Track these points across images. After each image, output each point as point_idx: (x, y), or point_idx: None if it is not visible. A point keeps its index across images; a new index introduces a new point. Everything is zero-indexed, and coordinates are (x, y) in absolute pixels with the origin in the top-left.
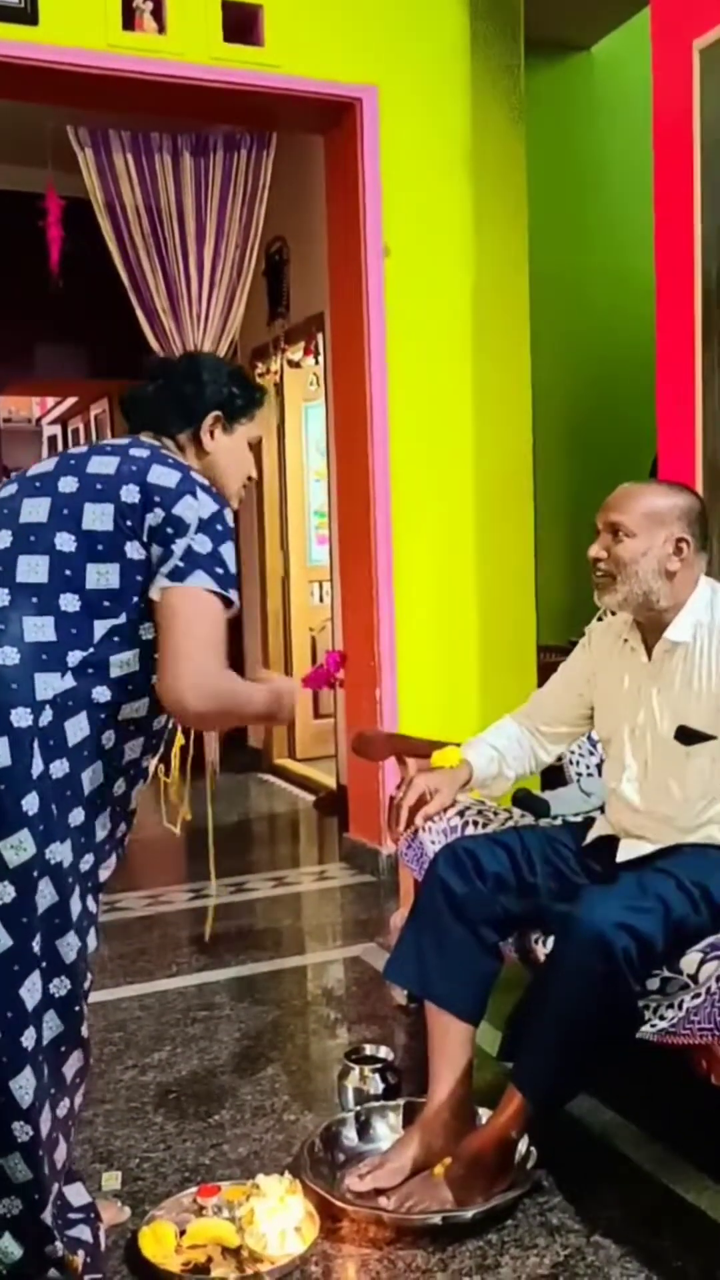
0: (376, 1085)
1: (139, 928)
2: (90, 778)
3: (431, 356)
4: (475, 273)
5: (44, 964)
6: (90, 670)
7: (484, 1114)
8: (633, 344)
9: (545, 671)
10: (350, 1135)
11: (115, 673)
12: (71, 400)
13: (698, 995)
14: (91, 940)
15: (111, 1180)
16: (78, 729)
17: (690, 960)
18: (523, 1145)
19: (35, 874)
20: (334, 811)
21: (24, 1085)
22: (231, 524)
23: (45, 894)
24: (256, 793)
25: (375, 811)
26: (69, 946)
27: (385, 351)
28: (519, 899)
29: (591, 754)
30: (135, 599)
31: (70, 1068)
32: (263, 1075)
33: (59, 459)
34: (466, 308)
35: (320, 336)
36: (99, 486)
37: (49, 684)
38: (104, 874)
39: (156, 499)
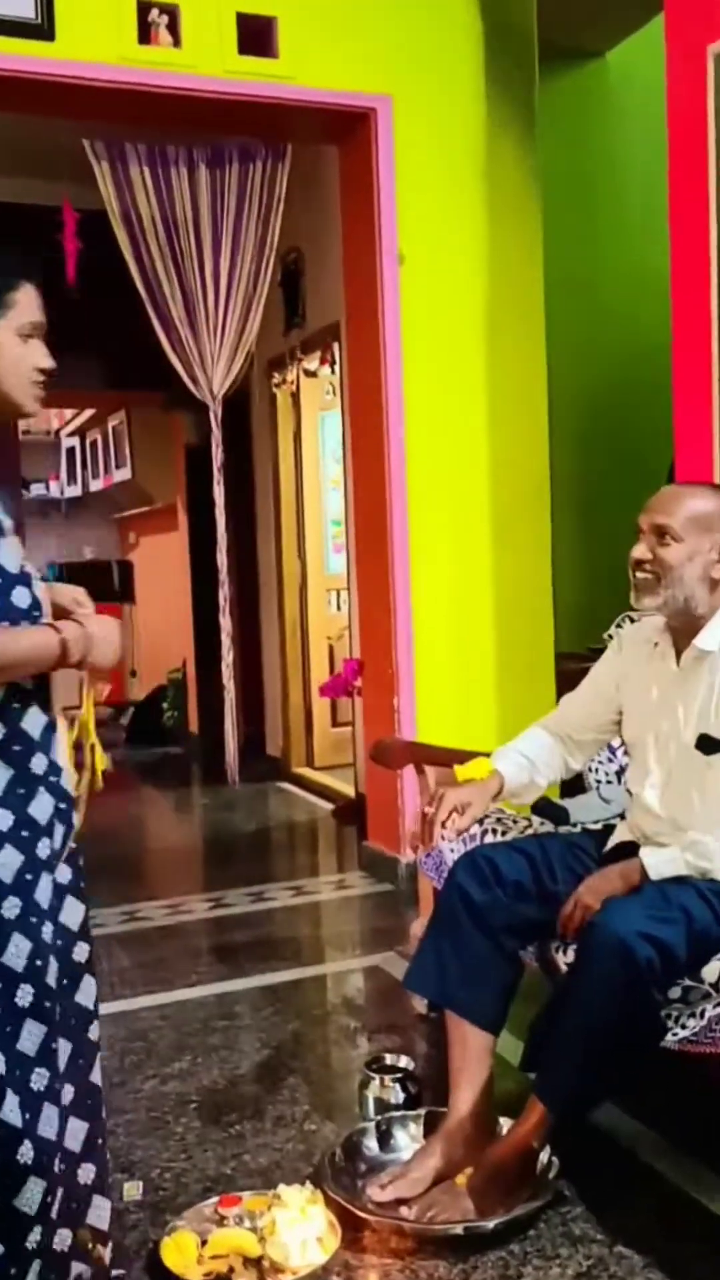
0: (397, 1095)
1: (157, 937)
2: None
3: (447, 363)
4: (490, 279)
5: None
6: None
7: (505, 1124)
8: (649, 348)
9: (563, 678)
10: (371, 1145)
11: None
12: (90, 412)
13: (719, 1004)
14: (71, 914)
15: (133, 1191)
16: None
17: (712, 969)
18: (545, 1155)
19: None
20: (353, 820)
21: (10, 1109)
22: None
23: None
24: (275, 801)
25: (394, 820)
26: (17, 955)
27: (401, 359)
28: (539, 906)
29: (610, 761)
30: None
31: (63, 1055)
32: (283, 1085)
33: None
34: (481, 313)
35: (336, 345)
36: None
37: None
38: (59, 838)
39: None
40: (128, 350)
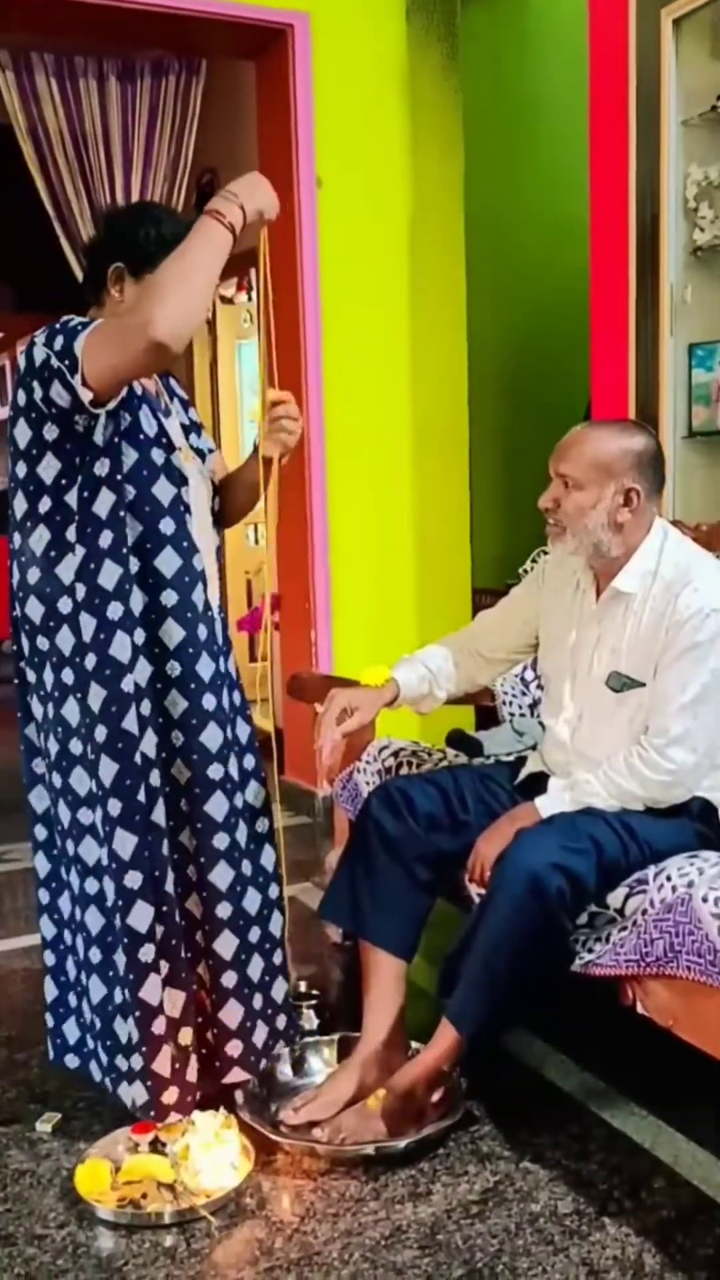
0: (311, 1020)
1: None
2: None
3: (366, 293)
4: (411, 208)
5: None
6: None
7: (417, 1048)
8: (567, 288)
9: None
10: (285, 1070)
11: None
12: None
13: (624, 928)
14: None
15: (46, 1123)
16: None
17: (617, 895)
18: (454, 1076)
19: None
20: (270, 754)
21: None
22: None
23: None
24: None
25: (311, 754)
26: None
27: (319, 289)
28: (451, 837)
29: (524, 694)
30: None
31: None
32: None
33: None
34: (402, 243)
35: (253, 271)
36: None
37: None
38: None
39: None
40: (37, 271)
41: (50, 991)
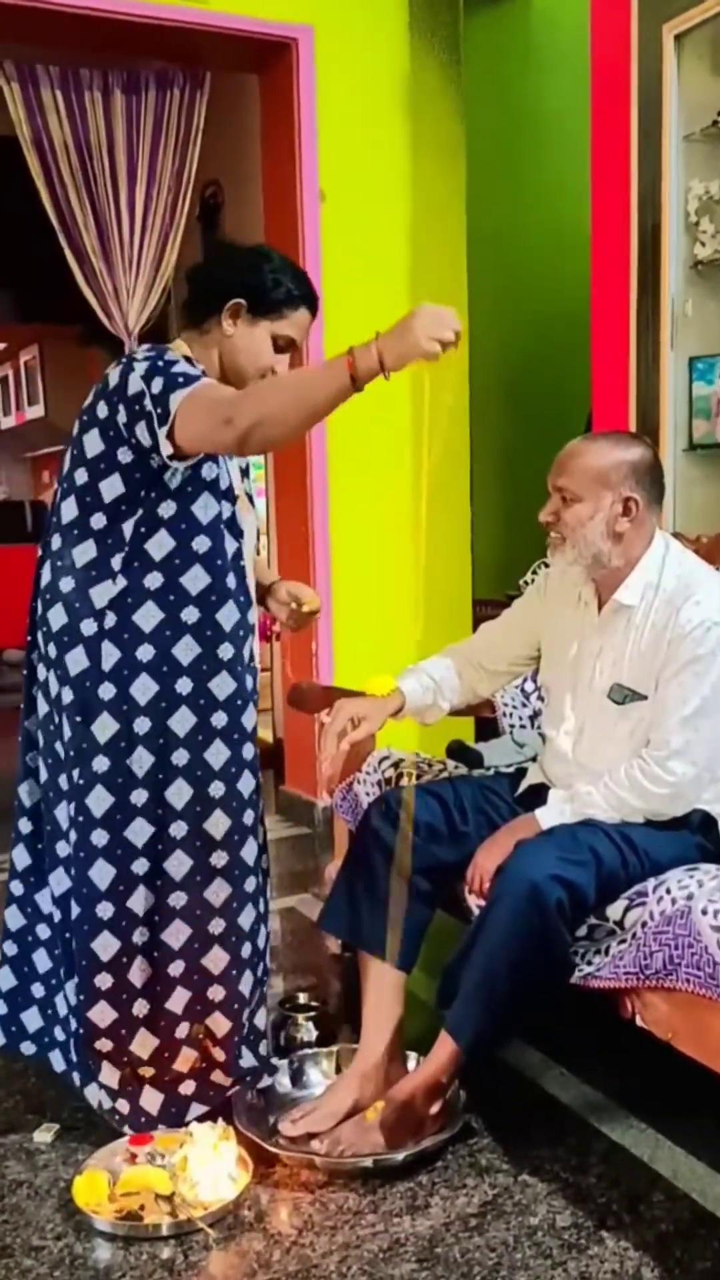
0: (310, 1032)
1: None
2: None
3: (368, 305)
4: (412, 219)
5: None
6: None
7: (415, 1059)
8: (568, 298)
9: (480, 624)
10: (284, 1082)
11: None
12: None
13: (623, 940)
14: None
15: (45, 1133)
16: None
17: (616, 907)
18: (453, 1088)
19: None
20: (270, 764)
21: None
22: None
23: None
24: None
25: (311, 764)
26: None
27: (321, 300)
28: (451, 848)
29: (524, 706)
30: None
31: None
32: None
33: None
34: (404, 255)
35: None
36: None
37: None
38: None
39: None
40: (39, 281)
41: (7, 980)
